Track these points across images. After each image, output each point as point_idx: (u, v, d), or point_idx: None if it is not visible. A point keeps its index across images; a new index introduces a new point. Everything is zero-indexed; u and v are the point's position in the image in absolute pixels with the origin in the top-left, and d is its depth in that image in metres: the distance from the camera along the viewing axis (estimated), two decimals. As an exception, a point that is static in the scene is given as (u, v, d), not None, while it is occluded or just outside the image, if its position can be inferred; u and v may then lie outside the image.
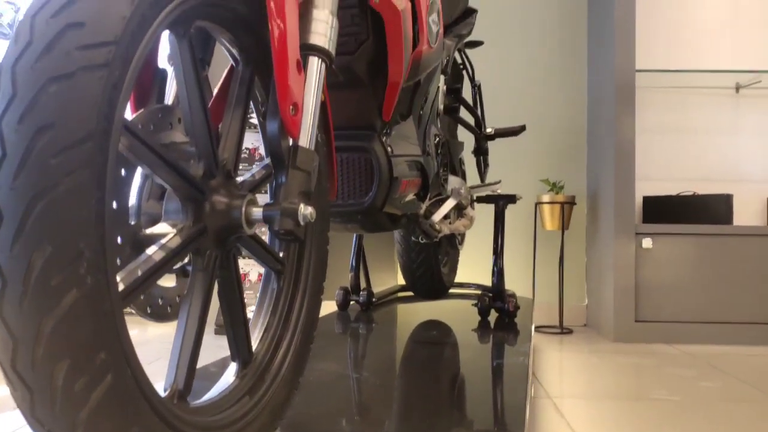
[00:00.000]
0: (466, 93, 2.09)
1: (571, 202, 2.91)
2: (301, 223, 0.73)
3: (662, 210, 2.93)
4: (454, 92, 1.90)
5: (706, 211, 2.80)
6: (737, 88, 3.02)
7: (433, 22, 1.22)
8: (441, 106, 1.73)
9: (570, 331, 2.87)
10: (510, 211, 2.29)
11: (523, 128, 2.06)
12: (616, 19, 2.72)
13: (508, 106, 3.04)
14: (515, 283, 2.44)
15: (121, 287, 0.58)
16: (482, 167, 2.08)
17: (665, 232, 2.71)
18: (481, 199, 2.09)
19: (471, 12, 1.93)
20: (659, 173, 3.03)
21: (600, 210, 2.93)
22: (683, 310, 2.66)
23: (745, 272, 2.65)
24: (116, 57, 0.52)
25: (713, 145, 3.03)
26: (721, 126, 3.03)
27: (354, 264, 2.08)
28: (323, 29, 0.81)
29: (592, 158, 3.07)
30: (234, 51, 0.82)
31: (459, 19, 1.86)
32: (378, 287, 2.27)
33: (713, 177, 3.01)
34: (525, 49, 3.15)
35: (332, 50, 0.83)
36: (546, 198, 2.93)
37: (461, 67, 2.03)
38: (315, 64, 0.80)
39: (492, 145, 2.27)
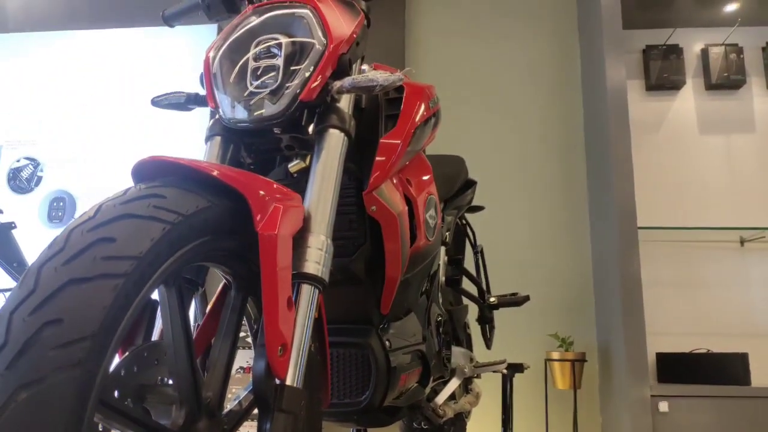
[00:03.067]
0: (468, 259, 2.11)
1: (581, 360, 2.84)
2: None
3: (677, 368, 2.84)
4: (455, 263, 1.91)
5: (722, 370, 2.71)
6: (742, 242, 3.05)
7: (431, 217, 1.25)
8: (443, 279, 1.73)
9: (588, 501, 2.69)
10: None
11: (527, 298, 2.05)
12: (615, 181, 2.79)
13: (513, 263, 3.06)
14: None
15: None
16: (488, 334, 2.04)
17: (682, 395, 2.61)
18: (487, 365, 2.03)
19: (471, 184, 1.99)
20: (671, 327, 2.98)
21: (612, 367, 2.84)
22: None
23: (769, 437, 2.51)
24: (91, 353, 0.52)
25: (722, 298, 3.00)
26: (729, 279, 3.02)
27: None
28: (317, 256, 0.82)
29: (601, 313, 3.03)
30: (227, 277, 0.83)
31: (459, 191, 1.92)
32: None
33: (725, 331, 2.96)
34: (528, 204, 3.22)
35: (326, 276, 0.83)
36: (556, 355, 2.86)
37: (463, 232, 2.06)
38: (307, 292, 0.81)
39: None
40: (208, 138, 0.97)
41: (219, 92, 0.94)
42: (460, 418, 2.18)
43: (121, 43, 3.30)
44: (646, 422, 2.55)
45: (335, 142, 0.92)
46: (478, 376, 1.87)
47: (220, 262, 0.79)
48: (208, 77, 0.97)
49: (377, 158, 1.07)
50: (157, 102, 1.28)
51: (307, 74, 0.91)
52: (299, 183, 0.95)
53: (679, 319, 3.00)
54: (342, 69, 0.95)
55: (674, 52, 3.19)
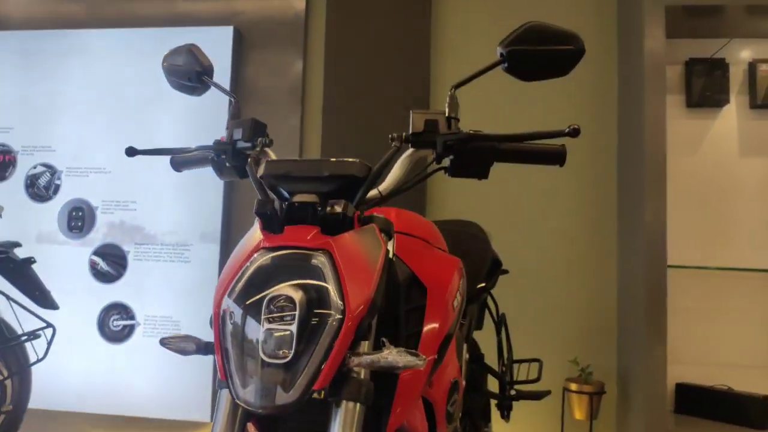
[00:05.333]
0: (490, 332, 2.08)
1: (600, 392, 2.84)
2: None
3: (695, 401, 2.85)
4: (477, 360, 1.87)
5: (740, 410, 2.71)
6: (772, 269, 2.97)
7: (452, 405, 1.20)
8: (464, 383, 1.70)
9: None
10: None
11: (548, 392, 2.03)
12: (646, 213, 2.69)
13: (538, 286, 3.03)
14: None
15: None
16: (505, 415, 2.03)
17: (698, 436, 2.61)
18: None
19: (497, 266, 1.92)
20: (692, 356, 2.96)
21: (630, 398, 2.84)
22: None
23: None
24: None
25: (748, 330, 2.96)
26: (756, 310, 2.96)
27: None
28: None
29: (623, 341, 3.01)
30: None
31: (486, 277, 1.85)
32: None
33: (748, 363, 2.93)
34: (556, 224, 3.13)
35: None
36: (574, 387, 2.86)
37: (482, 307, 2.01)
38: None
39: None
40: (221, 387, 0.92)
41: (229, 363, 0.87)
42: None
43: (134, 45, 3.17)
44: (661, 464, 2.58)
45: (350, 415, 0.86)
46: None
47: None
48: (217, 336, 0.89)
49: (397, 396, 0.99)
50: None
51: (320, 359, 0.83)
52: None
53: (703, 348, 2.97)
54: (360, 334, 0.87)
55: (720, 67, 2.99)
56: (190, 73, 1.28)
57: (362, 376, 0.88)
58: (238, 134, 1.20)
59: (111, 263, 3.05)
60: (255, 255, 0.91)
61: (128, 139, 3.13)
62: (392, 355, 0.84)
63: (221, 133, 1.25)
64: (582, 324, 3.09)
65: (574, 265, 3.13)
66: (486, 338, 2.11)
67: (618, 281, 3.08)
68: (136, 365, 2.99)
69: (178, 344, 0.99)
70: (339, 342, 0.84)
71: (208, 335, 3.08)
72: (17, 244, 2.47)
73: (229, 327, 0.88)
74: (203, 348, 0.98)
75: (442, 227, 1.92)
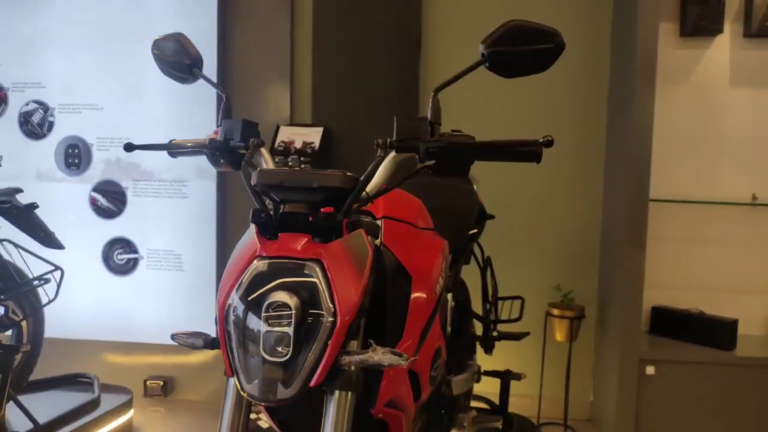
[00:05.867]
0: (475, 272, 2.20)
1: (580, 317, 3.02)
2: None
3: (669, 324, 3.04)
4: (462, 306, 2.00)
5: (711, 333, 2.90)
6: (753, 198, 3.06)
7: (435, 369, 1.33)
8: (449, 329, 1.84)
9: (573, 435, 3.04)
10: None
11: (527, 334, 2.17)
12: (632, 147, 2.74)
13: (523, 213, 3.15)
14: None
15: None
16: (489, 349, 2.19)
17: (668, 360, 2.81)
18: (488, 373, 2.21)
19: (483, 217, 2.02)
20: (669, 282, 3.12)
21: (608, 323, 3.03)
22: (682, 430, 2.80)
23: (744, 400, 2.76)
24: None
25: (722, 258, 3.10)
26: (732, 240, 3.09)
27: None
28: None
29: (604, 267, 3.16)
30: None
31: (473, 227, 1.95)
32: None
33: (720, 288, 3.10)
34: (542, 165, 3.18)
35: None
36: (556, 312, 3.04)
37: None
38: None
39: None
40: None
41: (234, 360, 0.98)
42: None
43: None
44: (632, 383, 2.80)
45: (343, 402, 0.99)
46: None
47: None
48: (222, 335, 1.00)
49: (385, 377, 1.12)
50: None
51: (316, 358, 0.94)
52: None
53: (679, 274, 3.13)
54: (350, 335, 0.98)
55: (716, -6, 2.93)
56: (179, 65, 1.32)
57: (352, 368, 1.00)
58: (230, 134, 1.25)
59: (111, 199, 3.14)
60: (254, 262, 1.00)
61: (119, 74, 3.12)
62: (378, 355, 0.96)
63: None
64: (566, 252, 3.23)
65: (560, 196, 3.22)
66: (472, 276, 2.25)
67: (602, 212, 3.18)
68: (142, 296, 3.15)
69: (188, 339, 1.10)
70: (332, 344, 0.95)
71: (207, 269, 3.24)
72: (19, 190, 2.55)
73: (233, 328, 0.99)
74: (210, 343, 1.08)
75: (431, 179, 2.00)
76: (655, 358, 2.82)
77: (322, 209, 1.04)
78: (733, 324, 2.86)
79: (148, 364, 3.30)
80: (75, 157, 3.14)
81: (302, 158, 3.03)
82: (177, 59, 1.32)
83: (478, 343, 2.17)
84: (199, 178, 3.11)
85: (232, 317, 0.98)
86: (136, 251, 3.15)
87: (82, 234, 3.16)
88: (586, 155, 3.18)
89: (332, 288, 0.96)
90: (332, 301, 0.95)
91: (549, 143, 1.07)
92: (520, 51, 1.08)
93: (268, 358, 0.94)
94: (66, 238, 2.77)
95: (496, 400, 2.35)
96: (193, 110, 3.07)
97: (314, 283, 0.96)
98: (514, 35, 1.08)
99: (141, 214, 3.14)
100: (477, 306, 2.21)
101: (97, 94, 3.12)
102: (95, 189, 3.16)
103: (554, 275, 3.21)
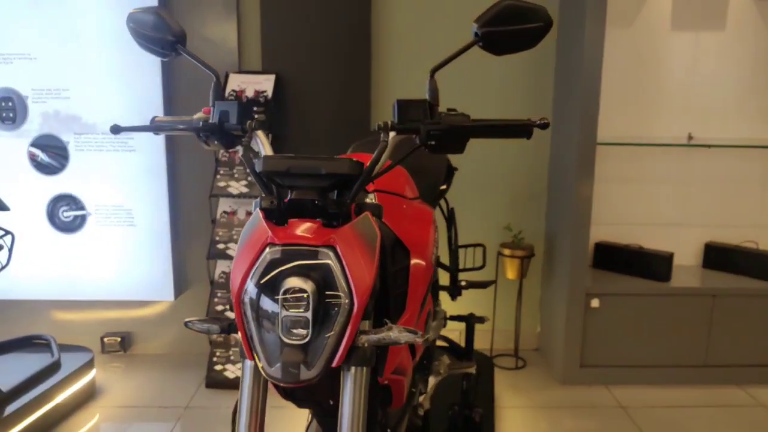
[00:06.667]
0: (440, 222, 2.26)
1: (530, 256, 3.17)
2: None
3: (610, 258, 3.24)
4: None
5: (649, 266, 3.12)
6: (689, 138, 3.24)
7: (429, 323, 1.39)
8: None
9: (524, 365, 3.24)
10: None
11: (493, 282, 2.27)
12: (581, 91, 2.82)
13: (474, 156, 3.21)
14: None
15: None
16: (455, 297, 2.29)
17: (611, 293, 3.01)
18: (453, 318, 2.32)
19: (451, 171, 2.07)
20: (611, 218, 3.31)
21: (555, 260, 3.20)
22: (623, 357, 3.04)
23: (677, 324, 3.01)
24: None
25: (661, 196, 3.30)
26: (670, 179, 3.28)
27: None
28: None
29: (551, 211, 3.29)
30: None
31: (445, 182, 2.00)
32: None
33: (658, 224, 3.31)
34: (494, 95, 3.23)
35: None
36: (507, 252, 3.17)
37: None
38: None
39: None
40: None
41: (254, 344, 1.01)
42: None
43: None
44: (579, 316, 2.99)
45: (359, 377, 1.04)
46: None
47: None
48: (240, 320, 1.01)
49: (390, 353, 1.18)
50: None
51: (336, 340, 0.98)
52: None
53: (621, 211, 3.31)
54: (365, 316, 1.02)
55: (661, -63, 2.98)
56: (162, 42, 1.25)
57: (366, 345, 1.04)
58: (225, 116, 1.22)
59: (51, 155, 2.98)
60: (266, 249, 1.01)
61: (52, 20, 2.91)
62: (394, 333, 1.01)
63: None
64: (515, 193, 3.34)
65: (510, 140, 3.29)
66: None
67: (550, 154, 3.29)
68: (93, 253, 3.06)
69: (202, 325, 1.10)
70: (351, 326, 0.99)
71: (161, 223, 3.19)
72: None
73: (250, 314, 1.01)
74: (227, 328, 1.09)
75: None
76: (600, 292, 3.02)
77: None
78: (669, 257, 3.08)
79: (104, 320, 3.25)
80: (9, 110, 2.94)
81: (255, 108, 2.96)
82: (159, 35, 1.25)
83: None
84: (146, 129, 2.98)
85: (248, 304, 1.00)
86: (83, 208, 3.04)
87: (23, 192, 3.01)
88: (536, 98, 3.25)
89: (347, 272, 0.99)
90: (348, 285, 0.99)
91: (545, 125, 1.12)
92: (511, 30, 1.12)
93: (287, 341, 0.98)
94: (7, 197, 2.65)
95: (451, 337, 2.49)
96: (135, 55, 2.91)
97: (329, 268, 0.99)
98: (506, 14, 1.12)
99: (86, 170, 3.01)
100: (443, 256, 2.28)
101: (29, 42, 2.90)
102: (34, 144, 2.99)
103: (504, 216, 3.33)
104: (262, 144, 1.23)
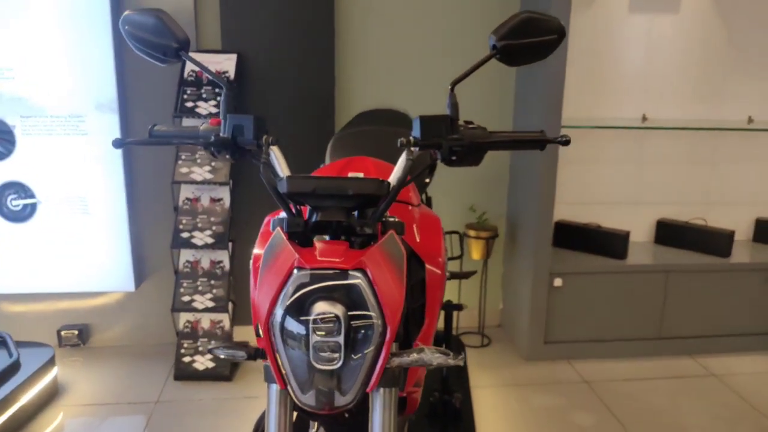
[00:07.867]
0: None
1: (493, 236, 3.23)
2: None
3: (570, 236, 3.34)
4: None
5: (606, 244, 3.23)
6: (643, 119, 3.35)
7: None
8: None
9: (489, 342, 3.33)
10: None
11: (474, 272, 2.29)
12: (545, 78, 2.86)
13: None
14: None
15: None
16: None
17: (573, 272, 3.11)
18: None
19: (435, 165, 2.06)
20: (571, 198, 3.40)
21: (518, 239, 3.26)
22: (584, 332, 3.16)
23: (634, 300, 3.15)
24: None
25: (618, 177, 3.41)
26: (628, 160, 3.39)
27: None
28: None
29: (512, 192, 3.35)
30: None
31: (429, 173, 2.00)
32: None
33: (615, 203, 3.43)
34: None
35: None
36: (472, 233, 3.22)
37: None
38: None
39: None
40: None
41: (285, 371, 0.98)
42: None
43: None
44: (542, 294, 3.08)
45: (388, 398, 1.03)
46: None
47: None
48: (269, 346, 0.98)
49: (410, 369, 1.17)
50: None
51: (370, 364, 0.96)
52: None
53: (580, 191, 3.41)
54: (396, 338, 1.01)
55: None
56: (164, 48, 1.17)
57: (394, 366, 1.03)
58: (238, 130, 1.17)
59: (-4, 140, 2.78)
60: (294, 272, 0.98)
61: (-12, -6, 2.68)
62: (427, 355, 1.01)
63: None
64: (478, 175, 3.37)
65: (473, 120, 3.30)
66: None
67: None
68: (44, 243, 2.90)
69: (228, 351, 1.06)
70: (385, 349, 0.98)
71: (117, 211, 3.07)
72: None
73: (280, 340, 0.97)
74: (253, 354, 1.06)
75: (386, 131, 1.99)
76: (562, 271, 3.11)
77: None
78: (625, 236, 3.20)
79: (60, 312, 3.10)
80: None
81: (217, 90, 2.84)
82: (162, 41, 1.17)
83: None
84: (99, 112, 2.83)
85: (278, 329, 0.97)
86: (32, 196, 2.86)
87: (-35, 180, 2.81)
88: (500, 79, 3.26)
89: (378, 295, 0.97)
90: (380, 309, 0.97)
91: (566, 142, 1.15)
92: (528, 43, 1.17)
93: (319, 366, 0.96)
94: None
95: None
96: (85, 31, 2.74)
97: (359, 291, 0.96)
98: (523, 27, 1.17)
99: (34, 155, 2.82)
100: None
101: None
102: (-25, 128, 2.78)
103: (468, 197, 3.36)
104: (278, 160, 1.19)
